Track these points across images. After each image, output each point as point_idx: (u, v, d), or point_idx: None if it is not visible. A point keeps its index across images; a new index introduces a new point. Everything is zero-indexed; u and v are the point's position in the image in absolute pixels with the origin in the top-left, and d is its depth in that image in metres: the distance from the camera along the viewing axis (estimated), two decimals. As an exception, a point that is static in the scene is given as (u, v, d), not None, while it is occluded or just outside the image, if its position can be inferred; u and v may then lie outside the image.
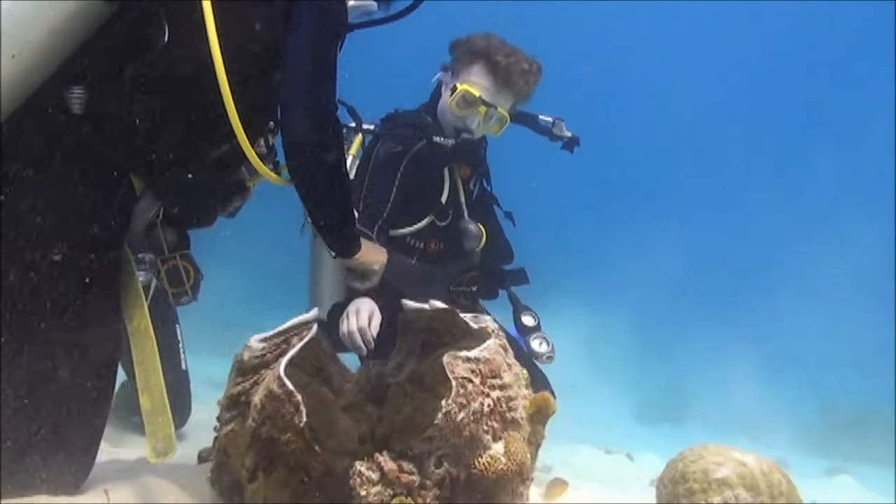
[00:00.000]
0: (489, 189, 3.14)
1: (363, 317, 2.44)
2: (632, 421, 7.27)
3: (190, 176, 1.77)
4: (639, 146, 14.39)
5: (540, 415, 1.79)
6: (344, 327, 2.47)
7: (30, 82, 1.54)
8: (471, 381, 1.60)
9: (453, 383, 1.56)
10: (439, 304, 1.85)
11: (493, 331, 1.83)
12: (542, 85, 2.95)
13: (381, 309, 2.51)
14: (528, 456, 1.66)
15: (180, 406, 3.12)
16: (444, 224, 2.90)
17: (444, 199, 2.87)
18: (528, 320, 2.99)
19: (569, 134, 3.15)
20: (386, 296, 2.56)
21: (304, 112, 1.79)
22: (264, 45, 1.79)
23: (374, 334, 2.44)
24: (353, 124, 2.99)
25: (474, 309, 3.02)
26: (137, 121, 1.65)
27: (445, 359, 1.60)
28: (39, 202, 1.60)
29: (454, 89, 2.80)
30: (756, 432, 6.87)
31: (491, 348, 1.69)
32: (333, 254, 2.17)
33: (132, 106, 1.64)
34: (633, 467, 4.48)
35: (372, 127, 2.95)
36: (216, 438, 1.80)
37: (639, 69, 15.11)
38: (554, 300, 9.14)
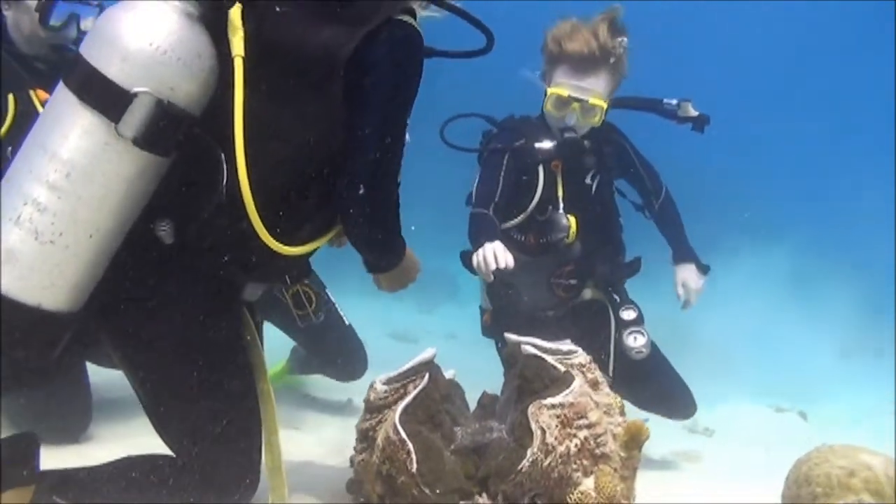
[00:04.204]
0: (614, 185, 3.24)
1: (498, 247, 2.62)
2: (834, 356, 6.96)
3: (281, 263, 1.92)
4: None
5: (633, 441, 1.95)
6: (478, 256, 2.64)
7: (115, 240, 1.72)
8: (556, 427, 1.79)
9: (537, 433, 1.76)
10: (531, 350, 2.02)
11: (582, 367, 1.99)
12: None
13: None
14: (619, 487, 1.83)
15: (354, 361, 3.53)
16: (542, 219, 3.05)
17: (538, 194, 3.01)
18: (627, 315, 3.09)
19: (696, 113, 3.10)
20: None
21: (364, 216, 1.90)
22: (322, 150, 1.85)
23: (509, 264, 2.59)
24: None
25: (571, 301, 3.19)
26: (221, 240, 1.82)
27: (531, 409, 1.80)
28: (156, 316, 1.84)
29: (547, 94, 2.95)
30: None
31: (576, 391, 1.86)
32: (367, 270, 2.22)
33: (214, 229, 1.80)
34: (806, 427, 4.40)
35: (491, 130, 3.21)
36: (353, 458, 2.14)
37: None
38: (748, 238, 8.94)
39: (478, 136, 3.28)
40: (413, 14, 1.89)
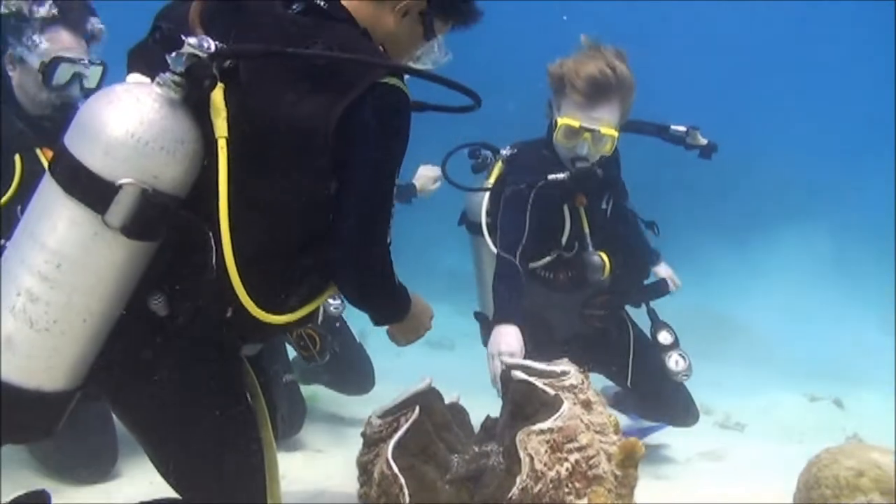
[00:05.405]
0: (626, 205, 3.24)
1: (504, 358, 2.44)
2: (874, 339, 6.81)
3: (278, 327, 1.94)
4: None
5: (629, 460, 1.96)
6: (490, 368, 2.51)
7: (110, 319, 1.76)
8: (546, 452, 1.81)
9: (525, 460, 1.79)
10: (521, 375, 2.04)
11: (573, 388, 2.01)
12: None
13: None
14: (613, 507, 1.85)
15: (361, 379, 3.64)
16: (570, 256, 3.04)
17: (566, 234, 3.01)
18: (664, 337, 3.10)
19: (704, 142, 3.16)
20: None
21: (355, 281, 1.93)
22: (311, 219, 1.86)
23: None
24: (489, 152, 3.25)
25: (606, 330, 3.19)
26: (216, 314, 1.85)
27: (519, 436, 1.82)
28: (155, 383, 1.87)
29: (556, 124, 2.93)
30: None
31: (565, 415, 1.87)
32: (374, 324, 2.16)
33: (207, 304, 1.83)
34: (840, 416, 4.33)
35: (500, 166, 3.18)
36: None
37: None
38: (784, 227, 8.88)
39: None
40: (399, 74, 1.87)
